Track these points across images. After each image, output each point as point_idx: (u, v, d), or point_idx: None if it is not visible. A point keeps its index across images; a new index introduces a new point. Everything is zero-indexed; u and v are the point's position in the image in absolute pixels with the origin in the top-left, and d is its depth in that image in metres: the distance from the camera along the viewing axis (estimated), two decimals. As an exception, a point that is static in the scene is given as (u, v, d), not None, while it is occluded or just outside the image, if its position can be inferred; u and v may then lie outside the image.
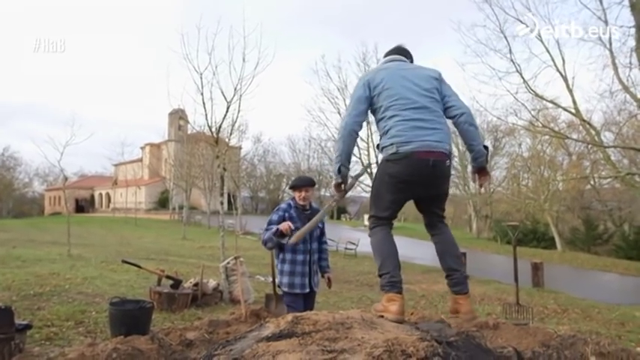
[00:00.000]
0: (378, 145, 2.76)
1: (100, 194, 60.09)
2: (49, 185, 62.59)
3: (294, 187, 3.77)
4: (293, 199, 3.78)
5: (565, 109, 12.78)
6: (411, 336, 2.12)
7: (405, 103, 2.54)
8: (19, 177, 61.04)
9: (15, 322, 3.82)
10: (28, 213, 56.55)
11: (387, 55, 2.92)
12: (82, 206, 58.40)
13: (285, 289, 3.74)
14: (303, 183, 3.76)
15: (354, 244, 19.44)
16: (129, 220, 36.82)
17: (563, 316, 7.91)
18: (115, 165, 58.00)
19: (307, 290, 3.73)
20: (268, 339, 2.14)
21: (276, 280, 3.88)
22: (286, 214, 3.68)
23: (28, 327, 4.02)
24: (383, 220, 2.73)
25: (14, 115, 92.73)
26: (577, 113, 12.26)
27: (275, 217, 3.68)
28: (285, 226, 3.45)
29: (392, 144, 2.51)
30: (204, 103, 7.56)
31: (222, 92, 7.57)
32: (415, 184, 2.56)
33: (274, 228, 3.53)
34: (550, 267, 14.05)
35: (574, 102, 12.07)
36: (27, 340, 4.12)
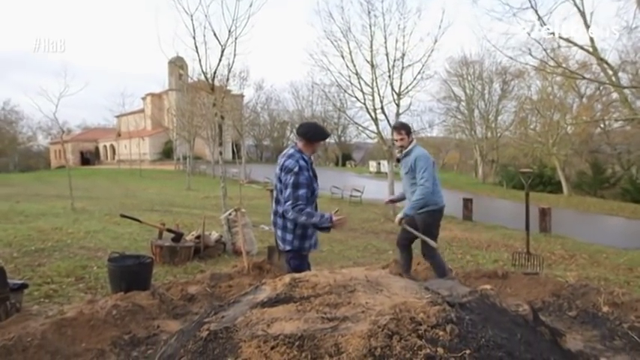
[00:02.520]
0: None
1: (105, 146, 59.98)
2: (53, 138, 62.45)
3: (313, 139, 3.24)
4: (300, 151, 3.22)
5: (582, 48, 12.05)
6: (420, 299, 1.93)
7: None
8: (22, 131, 60.74)
9: (9, 281, 3.72)
10: (34, 167, 56.81)
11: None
12: (88, 159, 58.53)
13: (297, 251, 3.39)
14: (326, 136, 3.36)
15: (359, 191, 19.30)
16: (134, 172, 36.92)
17: (570, 261, 7.82)
18: (117, 116, 57.41)
19: (312, 249, 3.48)
20: (263, 304, 1.96)
21: (286, 240, 3.35)
22: (310, 173, 3.22)
23: (24, 286, 3.93)
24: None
25: (10, 66, 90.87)
26: (594, 52, 11.59)
27: (304, 179, 3.13)
28: (342, 221, 3.08)
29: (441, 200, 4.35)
30: (196, 48, 7.09)
31: (216, 35, 7.07)
32: None
33: (324, 216, 3.08)
34: (556, 211, 13.91)
35: (591, 40, 11.37)
36: (25, 298, 4.04)
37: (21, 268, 5.14)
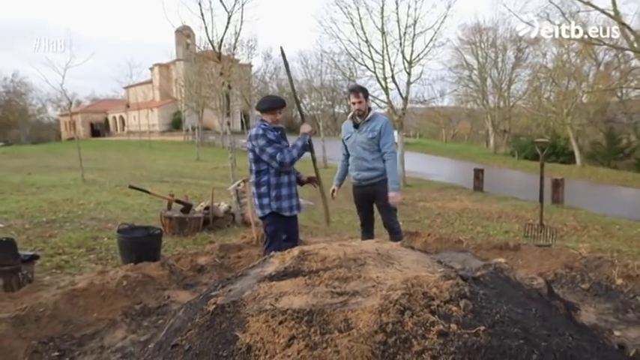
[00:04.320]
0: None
1: (114, 117, 60.01)
2: (63, 110, 62.55)
3: (274, 109, 3.60)
4: (262, 120, 3.60)
5: (603, 12, 11.54)
6: (433, 273, 1.88)
7: None
8: (32, 103, 60.79)
9: (20, 252, 3.75)
10: (45, 138, 57.17)
11: None
12: (98, 130, 58.70)
13: (275, 214, 3.59)
14: (283, 104, 3.71)
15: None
16: (143, 143, 37.02)
17: (583, 233, 7.73)
18: (126, 87, 57.14)
19: (295, 212, 3.65)
20: (271, 278, 1.92)
21: (264, 205, 3.61)
22: (276, 133, 3.59)
23: (35, 257, 3.96)
24: None
25: (16, 37, 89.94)
26: (616, 16, 11.09)
27: (272, 136, 3.53)
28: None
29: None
30: (202, 14, 6.88)
31: (222, 0, 6.85)
32: None
33: (301, 143, 3.56)
34: (569, 182, 13.70)
35: (613, 2, 10.87)
36: (37, 269, 4.08)
37: (33, 239, 5.19)
